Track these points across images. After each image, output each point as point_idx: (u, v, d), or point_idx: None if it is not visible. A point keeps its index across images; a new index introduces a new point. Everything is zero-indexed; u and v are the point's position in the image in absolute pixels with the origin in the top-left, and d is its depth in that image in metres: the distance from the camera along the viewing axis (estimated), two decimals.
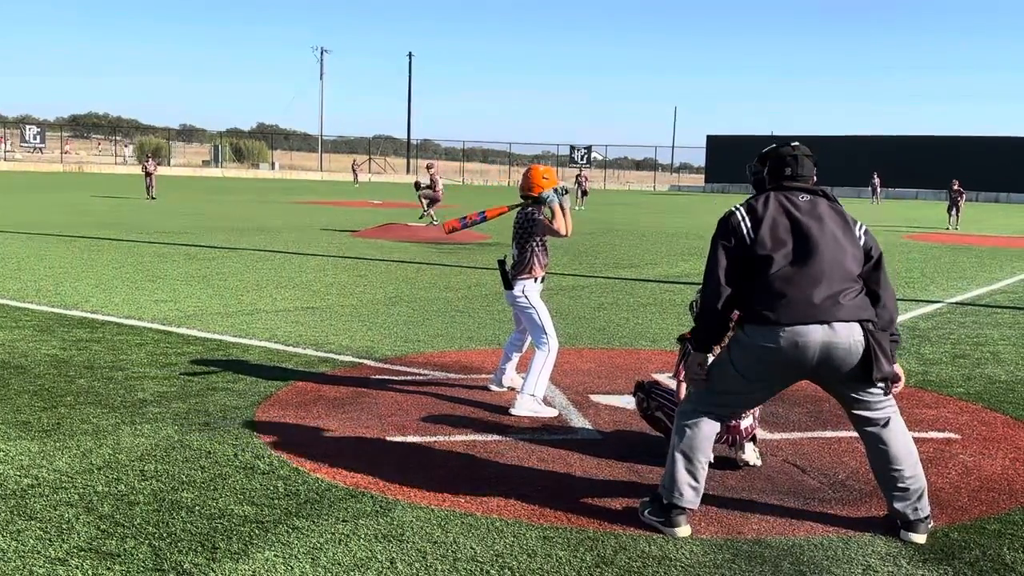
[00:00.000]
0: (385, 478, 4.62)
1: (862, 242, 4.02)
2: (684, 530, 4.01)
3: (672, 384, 5.42)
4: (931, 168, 67.28)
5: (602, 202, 46.13)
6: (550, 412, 5.92)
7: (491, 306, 10.44)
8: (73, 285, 11.22)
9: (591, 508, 4.29)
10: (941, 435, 5.71)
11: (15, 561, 3.56)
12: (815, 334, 3.79)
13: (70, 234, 18.34)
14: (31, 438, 5.10)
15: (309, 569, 3.57)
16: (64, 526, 3.89)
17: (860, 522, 4.23)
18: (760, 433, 5.37)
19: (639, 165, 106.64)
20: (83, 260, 14.05)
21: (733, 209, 4.05)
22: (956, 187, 30.51)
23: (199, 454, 4.90)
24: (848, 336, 3.81)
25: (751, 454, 4.94)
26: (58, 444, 5.00)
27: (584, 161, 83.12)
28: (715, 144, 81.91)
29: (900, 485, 4.02)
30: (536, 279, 6.17)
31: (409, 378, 6.85)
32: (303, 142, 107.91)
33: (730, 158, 78.27)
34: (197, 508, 4.14)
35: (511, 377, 6.49)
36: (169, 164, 76.13)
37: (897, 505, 4.04)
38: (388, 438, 5.34)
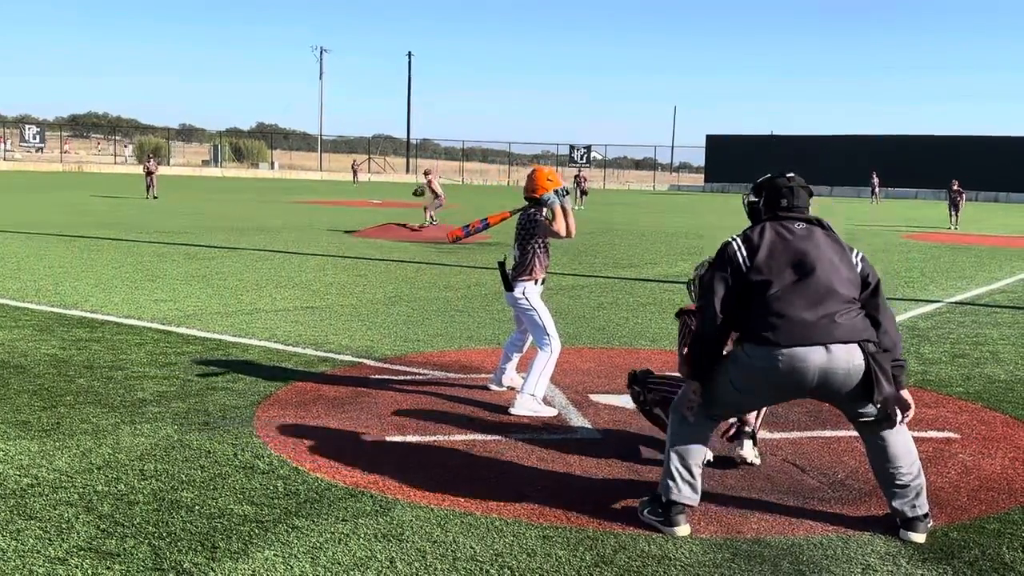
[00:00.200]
0: (385, 478, 4.62)
1: (859, 268, 4.06)
2: (683, 529, 4.02)
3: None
4: (931, 168, 67.27)
5: (602, 202, 46.13)
6: (550, 412, 5.92)
7: (491, 306, 10.44)
8: (73, 285, 11.22)
9: (590, 507, 4.30)
10: (940, 434, 5.72)
11: (15, 560, 3.56)
12: (814, 357, 3.81)
13: (70, 234, 18.34)
14: (31, 438, 5.10)
15: (309, 568, 3.57)
16: (64, 525, 3.90)
17: (859, 521, 4.23)
18: (760, 432, 5.37)
19: (639, 165, 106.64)
20: (83, 260, 14.05)
21: (730, 240, 4.11)
22: (956, 187, 30.53)
23: (199, 454, 4.90)
24: (847, 360, 3.83)
25: (750, 452, 4.94)
26: (58, 444, 5.00)
27: (584, 161, 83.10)
28: (715, 144, 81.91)
29: (899, 482, 4.03)
30: (536, 281, 6.16)
31: (409, 378, 6.85)
32: (303, 142, 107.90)
33: (730, 158, 78.43)
34: (197, 507, 4.14)
35: (511, 377, 6.49)
36: (169, 164, 76.09)
37: (895, 503, 4.06)
38: (388, 438, 5.35)
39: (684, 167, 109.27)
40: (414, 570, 3.59)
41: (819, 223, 4.13)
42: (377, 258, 15.65)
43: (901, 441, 4.04)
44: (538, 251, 6.15)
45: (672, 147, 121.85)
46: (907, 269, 16.17)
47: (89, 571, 3.48)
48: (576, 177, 41.30)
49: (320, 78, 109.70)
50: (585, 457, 5.08)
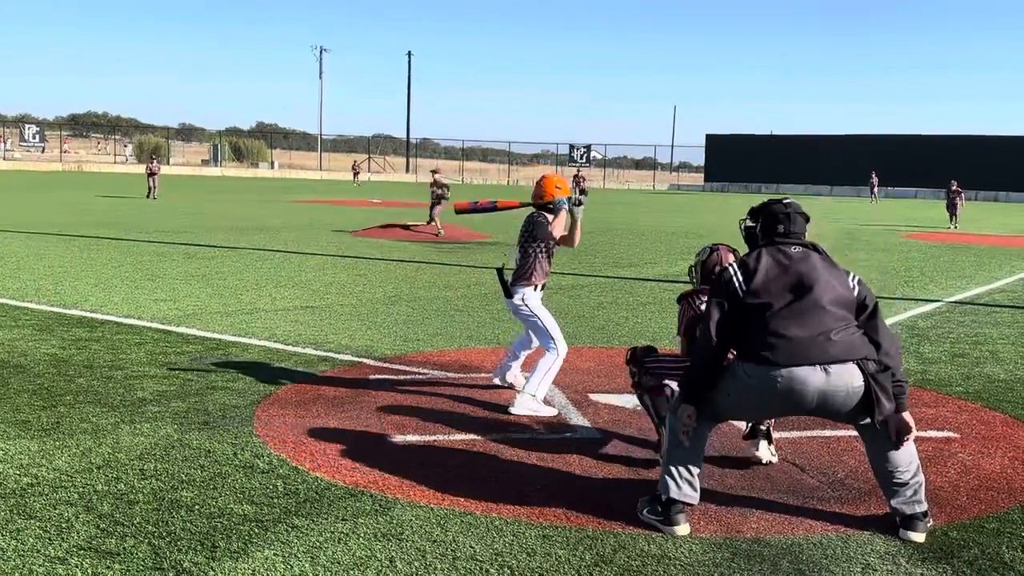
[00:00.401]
0: (384, 477, 4.62)
1: (856, 292, 4.09)
2: (683, 528, 4.02)
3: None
4: (930, 167, 67.27)
5: (602, 201, 46.11)
6: (549, 412, 5.92)
7: (490, 305, 10.44)
8: (72, 284, 11.22)
9: (590, 507, 4.30)
10: (940, 434, 5.72)
11: (15, 560, 3.56)
12: (813, 380, 3.84)
13: (69, 233, 18.33)
14: (31, 437, 5.10)
15: (308, 568, 3.57)
16: (64, 525, 3.90)
17: (859, 521, 4.23)
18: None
19: (639, 164, 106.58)
20: (82, 259, 14.05)
21: (726, 266, 4.20)
22: (955, 187, 30.55)
23: (198, 453, 4.90)
24: (846, 382, 3.86)
25: (766, 452, 4.93)
26: (57, 443, 5.00)
27: (584, 160, 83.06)
28: (715, 143, 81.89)
29: (897, 481, 4.05)
30: (535, 287, 6.13)
31: (408, 377, 6.85)
32: (302, 141, 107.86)
33: (730, 157, 78.38)
34: (197, 507, 4.14)
35: (515, 375, 6.48)
36: (168, 163, 76.05)
37: (894, 501, 4.07)
38: (387, 437, 5.35)
39: (684, 166, 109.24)
40: (414, 569, 3.59)
41: (814, 248, 4.19)
42: (377, 257, 15.65)
43: None
44: (540, 256, 6.13)
45: (672, 146, 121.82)
46: (907, 268, 16.17)
47: (89, 570, 3.49)
48: (575, 176, 41.28)
49: (320, 77, 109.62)
50: (585, 457, 5.08)
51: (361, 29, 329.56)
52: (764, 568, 3.71)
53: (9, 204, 27.61)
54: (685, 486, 4.08)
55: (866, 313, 4.06)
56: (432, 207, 20.95)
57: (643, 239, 21.80)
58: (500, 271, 6.32)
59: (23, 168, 67.12)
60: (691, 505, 4.11)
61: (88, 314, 9.10)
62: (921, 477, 4.09)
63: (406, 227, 21.43)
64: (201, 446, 5.02)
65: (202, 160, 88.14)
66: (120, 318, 8.94)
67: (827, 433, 5.62)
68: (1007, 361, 8.02)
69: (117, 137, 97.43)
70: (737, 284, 4.04)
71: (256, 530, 3.90)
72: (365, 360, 7.39)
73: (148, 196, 34.29)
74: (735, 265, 4.14)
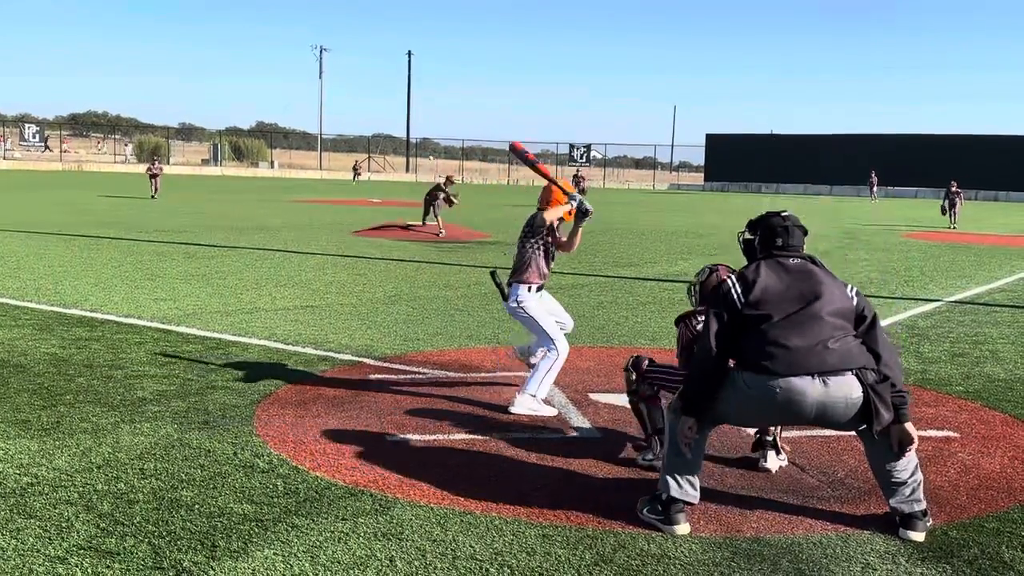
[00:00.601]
0: (384, 476, 4.62)
1: (854, 302, 4.11)
2: (683, 528, 4.02)
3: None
4: (931, 167, 67.21)
5: (601, 201, 46.09)
6: (549, 411, 5.92)
7: (490, 305, 10.44)
8: (72, 284, 11.22)
9: (590, 506, 4.30)
10: (940, 433, 5.72)
11: (15, 559, 3.56)
12: (811, 392, 3.87)
13: (69, 233, 18.34)
14: (30, 437, 5.10)
15: (308, 567, 3.57)
16: (64, 524, 3.90)
17: (859, 520, 4.24)
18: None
19: (639, 164, 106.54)
20: (82, 259, 14.05)
21: (725, 277, 4.25)
22: (954, 188, 30.56)
23: (198, 452, 4.90)
24: (845, 394, 3.89)
25: (774, 462, 4.92)
26: (57, 443, 5.00)
27: (583, 160, 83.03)
28: (715, 143, 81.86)
29: (896, 480, 4.06)
30: (531, 287, 6.04)
31: (408, 377, 6.85)
32: (302, 141, 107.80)
33: (729, 157, 78.35)
34: (197, 506, 4.14)
35: (537, 357, 6.26)
36: (168, 163, 76.02)
37: (893, 500, 4.09)
38: (387, 437, 5.35)
39: (684, 166, 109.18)
40: (414, 569, 3.59)
41: (812, 260, 4.23)
42: (376, 257, 15.66)
43: None
44: (536, 253, 6.06)
45: (672, 146, 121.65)
46: (907, 268, 16.17)
47: (89, 570, 3.49)
48: (575, 176, 41.29)
49: (320, 77, 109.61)
50: (585, 456, 5.08)
51: (361, 28, 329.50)
52: (764, 567, 3.71)
53: (9, 204, 27.61)
54: (685, 485, 4.09)
55: (865, 324, 4.09)
56: (435, 205, 21.23)
57: (643, 239, 21.80)
58: (493, 274, 6.30)
59: (23, 168, 67.10)
60: (691, 504, 4.12)
61: (88, 313, 9.10)
62: (920, 476, 4.10)
63: (407, 227, 21.44)
64: (201, 445, 5.02)
65: (202, 160, 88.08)
66: (120, 317, 8.94)
67: (827, 433, 5.62)
68: (1007, 360, 8.02)
69: (117, 137, 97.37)
70: (736, 295, 4.07)
71: (256, 529, 3.90)
72: (365, 360, 7.39)
73: (152, 196, 34.11)
74: (733, 277, 4.18)
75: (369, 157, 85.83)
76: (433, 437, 5.38)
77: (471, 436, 5.42)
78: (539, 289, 6.12)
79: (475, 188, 61.35)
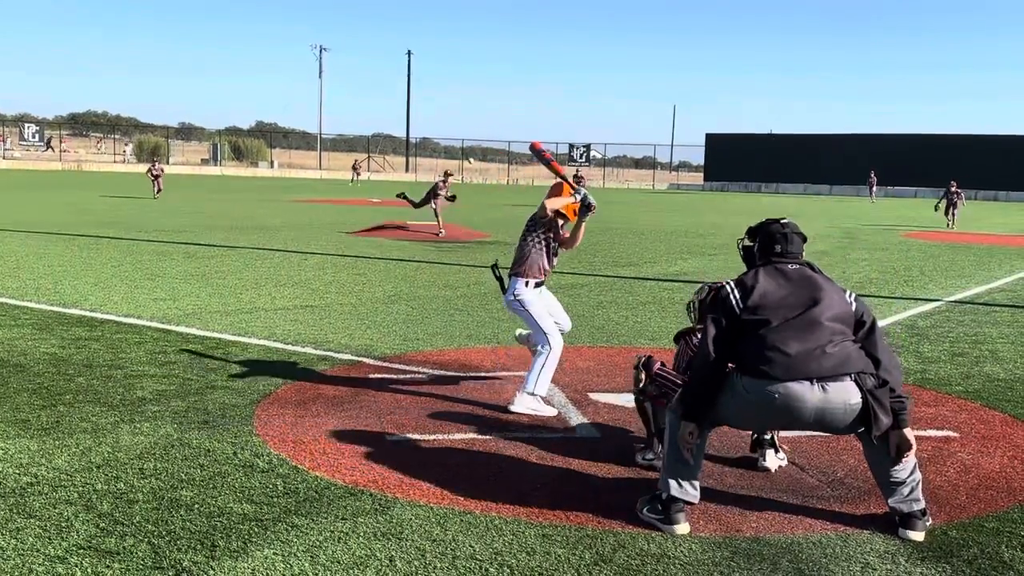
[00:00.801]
0: (384, 476, 4.62)
1: (853, 308, 4.13)
2: (683, 528, 4.02)
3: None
4: (930, 167, 67.20)
5: (601, 200, 45.96)
6: (549, 411, 5.91)
7: (490, 304, 10.44)
8: (72, 283, 11.22)
9: (590, 506, 4.30)
10: (940, 433, 5.72)
11: (14, 559, 3.56)
12: (810, 398, 3.88)
13: (69, 232, 18.33)
14: (30, 436, 5.10)
15: (308, 567, 3.57)
16: (63, 524, 3.90)
17: (858, 520, 4.24)
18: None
19: (638, 163, 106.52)
20: (82, 258, 14.05)
21: (723, 283, 4.23)
22: (954, 188, 30.55)
23: (198, 452, 4.90)
24: (844, 399, 3.90)
25: (773, 461, 4.93)
26: (57, 442, 5.00)
27: (583, 159, 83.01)
28: (714, 142, 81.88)
29: (894, 480, 4.07)
30: (528, 281, 6.00)
31: (408, 376, 6.85)
32: (302, 140, 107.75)
33: (729, 156, 78.35)
34: (196, 506, 4.14)
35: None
36: (168, 163, 76.00)
37: (892, 500, 4.09)
38: (387, 436, 5.35)
39: (683, 166, 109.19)
40: (413, 568, 3.59)
41: (811, 266, 4.24)
42: (376, 257, 15.66)
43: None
44: (537, 247, 6.00)
45: (672, 146, 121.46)
46: (907, 268, 16.17)
47: (89, 570, 3.49)
48: (575, 176, 41.30)
49: (319, 76, 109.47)
50: (584, 456, 5.08)
51: (361, 28, 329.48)
52: (764, 567, 3.71)
53: (9, 204, 27.60)
54: (685, 485, 4.10)
55: (864, 329, 4.10)
56: (436, 204, 21.15)
57: (643, 238, 21.80)
58: (494, 267, 6.30)
59: (23, 167, 67.09)
60: (691, 504, 4.13)
61: (88, 313, 9.10)
62: (918, 475, 4.11)
63: (405, 227, 21.40)
64: (201, 445, 5.02)
65: (201, 159, 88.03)
66: (120, 317, 8.94)
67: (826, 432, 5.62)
68: (1007, 360, 8.02)
69: (117, 136, 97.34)
70: (734, 301, 4.09)
71: (256, 529, 3.90)
72: (365, 359, 7.39)
73: (155, 195, 33.98)
74: (732, 283, 4.19)
75: (369, 157, 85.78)
76: (433, 437, 5.38)
77: (471, 436, 5.42)
78: (538, 285, 6.08)
79: (475, 188, 61.34)
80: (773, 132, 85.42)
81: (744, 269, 4.37)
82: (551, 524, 4.08)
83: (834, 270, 15.17)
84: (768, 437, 4.95)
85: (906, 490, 4.06)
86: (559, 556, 3.75)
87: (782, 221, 4.35)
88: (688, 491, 4.10)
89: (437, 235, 20.16)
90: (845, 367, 3.91)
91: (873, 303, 11.31)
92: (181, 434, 5.21)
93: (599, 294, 11.76)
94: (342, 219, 25.30)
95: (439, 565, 3.63)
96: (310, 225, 22.77)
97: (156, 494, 4.28)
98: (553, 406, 6.03)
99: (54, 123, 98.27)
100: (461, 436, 5.41)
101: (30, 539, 3.74)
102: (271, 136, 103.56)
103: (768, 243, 4.28)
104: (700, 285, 5.26)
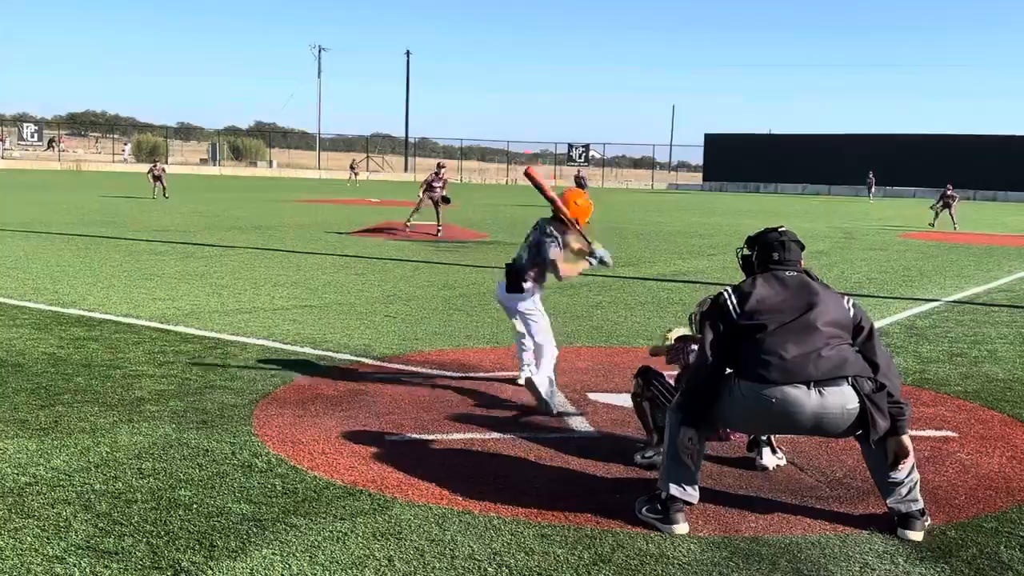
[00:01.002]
0: (383, 476, 4.62)
1: (851, 314, 4.13)
2: (682, 527, 4.02)
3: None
4: (929, 167, 67.19)
5: (600, 200, 46.09)
6: (555, 403, 5.94)
7: (488, 304, 10.43)
8: (71, 283, 11.21)
9: (588, 506, 4.30)
10: (938, 433, 5.72)
11: (13, 559, 3.56)
12: (807, 403, 3.89)
13: (68, 232, 18.32)
14: (28, 436, 5.09)
15: (307, 567, 3.57)
16: (62, 524, 3.89)
17: (857, 520, 4.24)
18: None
19: (637, 163, 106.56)
20: (81, 258, 14.04)
21: (722, 290, 4.25)
22: (950, 191, 30.51)
23: (197, 452, 4.90)
24: (841, 404, 3.91)
25: (770, 460, 4.93)
26: (56, 442, 5.00)
27: (582, 159, 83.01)
28: (713, 142, 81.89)
29: (892, 480, 4.07)
30: (541, 284, 6.21)
31: (407, 376, 6.85)
32: (301, 140, 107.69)
33: (728, 156, 78.35)
34: (195, 506, 4.14)
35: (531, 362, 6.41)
36: (167, 162, 75.95)
37: (890, 500, 4.10)
38: (386, 436, 5.35)
39: (682, 166, 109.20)
40: (412, 568, 3.59)
41: (808, 274, 4.26)
42: (375, 256, 15.65)
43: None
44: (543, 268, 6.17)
45: (670, 146, 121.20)
46: (905, 268, 16.17)
47: (87, 570, 3.48)
48: (577, 177, 41.36)
49: (318, 76, 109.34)
50: (583, 455, 5.08)
51: (359, 28, 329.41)
52: (762, 567, 3.71)
53: (8, 203, 27.58)
54: (685, 485, 4.10)
55: (863, 335, 4.11)
56: (435, 205, 20.89)
57: (641, 238, 21.80)
58: (513, 265, 6.27)
59: (21, 167, 67.04)
60: (690, 504, 4.13)
61: (86, 313, 9.10)
62: (916, 475, 4.12)
63: (405, 227, 21.31)
64: (199, 445, 5.02)
65: (200, 159, 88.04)
66: (118, 317, 8.94)
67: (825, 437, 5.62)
68: (1005, 360, 8.03)
69: (115, 136, 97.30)
70: (731, 306, 4.11)
71: (254, 529, 3.90)
72: (363, 359, 7.39)
73: (164, 196, 33.76)
74: (730, 290, 4.21)
75: (368, 156, 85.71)
76: (431, 437, 5.38)
77: (469, 436, 5.42)
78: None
79: (473, 187, 61.32)
80: (772, 132, 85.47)
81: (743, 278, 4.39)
82: (550, 524, 4.08)
83: (833, 270, 15.18)
84: (764, 437, 4.95)
85: (904, 490, 4.06)
86: (558, 556, 3.75)
87: (780, 229, 4.38)
88: (687, 491, 4.10)
89: (435, 235, 20.04)
90: (842, 370, 3.92)
91: (872, 303, 11.32)
92: (180, 434, 5.21)
93: (597, 294, 11.76)
94: (341, 219, 25.29)
95: (438, 565, 3.63)
96: (309, 225, 22.76)
97: (154, 494, 4.28)
98: (554, 405, 6.04)
99: (53, 123, 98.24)
100: (460, 436, 5.41)
101: (28, 539, 3.74)
102: (270, 136, 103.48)
103: (766, 251, 4.30)
104: (703, 298, 5.28)
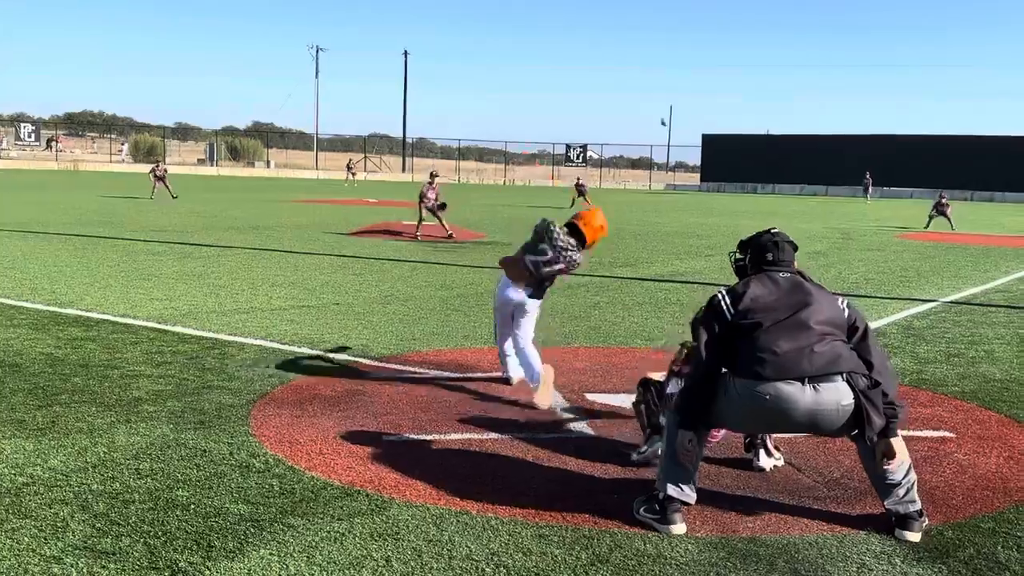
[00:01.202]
0: (380, 476, 4.62)
1: (845, 314, 4.15)
2: (679, 528, 4.03)
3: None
4: (926, 168, 67.25)
5: (598, 201, 46.08)
6: (556, 403, 5.97)
7: (486, 304, 10.42)
8: (68, 283, 11.20)
9: (586, 506, 4.30)
10: (936, 434, 5.73)
11: (10, 560, 3.55)
12: (801, 399, 3.90)
13: (65, 232, 18.31)
14: (26, 436, 5.09)
15: (304, 567, 3.57)
16: (59, 524, 3.89)
17: (855, 520, 4.24)
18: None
19: (635, 164, 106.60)
20: (78, 258, 14.03)
21: (716, 292, 4.28)
22: (944, 200, 30.52)
23: (194, 452, 4.90)
24: (836, 400, 3.91)
25: (767, 461, 4.93)
26: (53, 442, 4.99)
27: (580, 160, 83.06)
28: (710, 143, 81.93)
29: (889, 481, 4.08)
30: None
31: (405, 377, 6.84)
32: (299, 140, 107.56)
33: (725, 157, 78.39)
34: (192, 506, 4.14)
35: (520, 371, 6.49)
36: (164, 162, 75.89)
37: (887, 501, 4.11)
38: (384, 437, 5.34)
39: (680, 166, 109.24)
40: (410, 569, 3.59)
41: (802, 275, 4.28)
42: (372, 257, 15.65)
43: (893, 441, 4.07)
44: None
45: (668, 146, 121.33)
46: (903, 268, 16.19)
47: (84, 570, 3.48)
48: (576, 183, 41.51)
49: (316, 76, 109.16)
50: (581, 456, 5.08)
51: (357, 28, 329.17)
52: (760, 568, 3.71)
53: (5, 203, 27.54)
54: (683, 485, 4.10)
55: (857, 335, 4.13)
56: (435, 211, 20.76)
57: (639, 239, 21.81)
58: (536, 263, 6.37)
59: (19, 167, 66.96)
60: (687, 504, 4.13)
61: (84, 313, 9.09)
62: (913, 476, 4.12)
63: (414, 230, 21.23)
64: (197, 445, 5.01)
65: (198, 159, 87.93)
66: (116, 317, 8.93)
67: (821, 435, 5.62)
68: (1003, 361, 8.04)
69: (113, 136, 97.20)
70: (725, 306, 4.13)
71: (252, 529, 3.90)
72: (361, 360, 7.38)
73: (171, 196, 33.70)
74: (724, 291, 4.23)
75: (365, 156, 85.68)
76: (429, 437, 5.38)
77: (467, 436, 5.42)
78: None
79: (471, 188, 61.32)
80: (770, 132, 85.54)
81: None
82: (547, 524, 4.08)
83: (830, 271, 15.19)
84: (760, 438, 4.96)
85: (902, 491, 4.07)
86: (555, 556, 3.75)
87: (772, 231, 4.41)
88: (685, 492, 4.11)
89: (449, 237, 19.86)
90: (836, 366, 3.92)
91: (869, 304, 11.33)
92: (177, 434, 5.20)
93: (595, 294, 11.76)
94: (339, 219, 25.28)
95: (435, 565, 3.63)
96: (307, 225, 22.76)
97: (152, 494, 4.27)
98: (554, 404, 6.05)
99: (50, 123, 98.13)
100: (458, 436, 5.41)
101: (25, 539, 3.73)
102: (268, 136, 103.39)
103: (760, 252, 4.33)
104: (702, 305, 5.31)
